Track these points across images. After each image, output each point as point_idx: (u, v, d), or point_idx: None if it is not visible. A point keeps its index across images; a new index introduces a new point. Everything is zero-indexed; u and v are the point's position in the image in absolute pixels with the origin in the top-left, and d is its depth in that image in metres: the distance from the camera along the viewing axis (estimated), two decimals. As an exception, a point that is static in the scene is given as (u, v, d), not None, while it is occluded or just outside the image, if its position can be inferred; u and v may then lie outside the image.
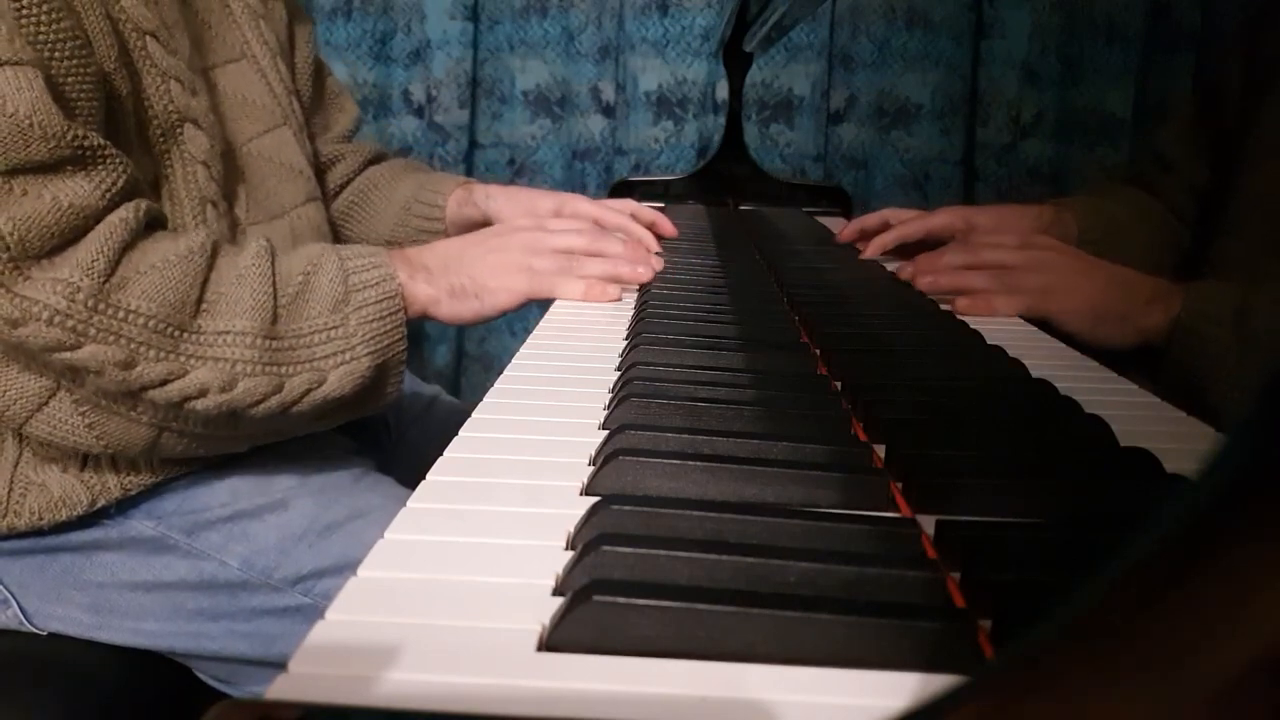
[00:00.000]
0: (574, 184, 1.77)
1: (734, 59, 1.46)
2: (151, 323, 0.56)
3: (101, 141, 0.57)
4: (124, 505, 0.68)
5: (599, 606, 0.27)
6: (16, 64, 0.53)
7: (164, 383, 0.58)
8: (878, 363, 0.57)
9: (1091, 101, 1.70)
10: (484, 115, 1.77)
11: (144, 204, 0.59)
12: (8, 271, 0.53)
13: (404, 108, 1.75)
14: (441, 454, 0.42)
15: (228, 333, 0.59)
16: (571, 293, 0.75)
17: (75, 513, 0.65)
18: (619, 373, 0.55)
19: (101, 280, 0.55)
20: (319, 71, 0.91)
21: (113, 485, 0.66)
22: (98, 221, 0.56)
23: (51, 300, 0.53)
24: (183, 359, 0.58)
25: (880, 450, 0.43)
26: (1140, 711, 0.16)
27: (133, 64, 0.63)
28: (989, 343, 0.63)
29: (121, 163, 0.58)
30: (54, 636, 0.69)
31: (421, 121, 1.75)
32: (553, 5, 1.73)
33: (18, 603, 0.69)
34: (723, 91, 1.62)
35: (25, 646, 0.69)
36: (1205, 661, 0.15)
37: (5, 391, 0.58)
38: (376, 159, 0.99)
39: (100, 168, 0.56)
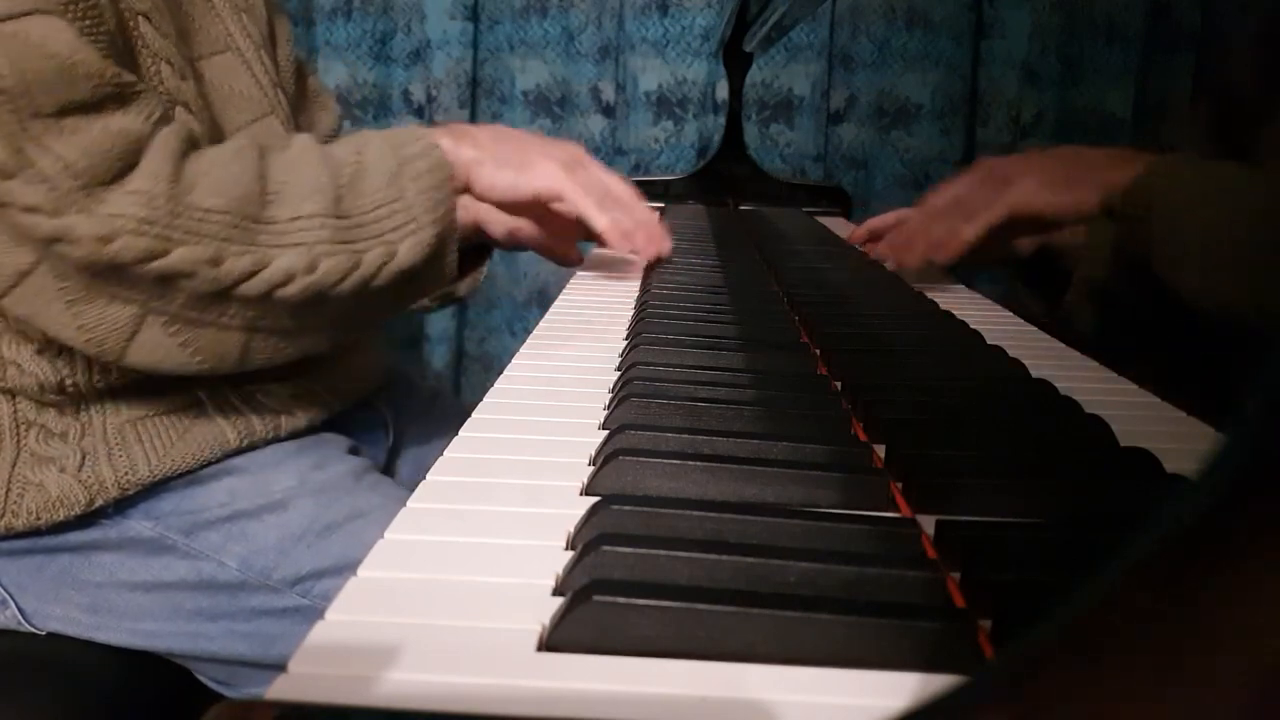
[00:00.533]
0: (574, 184, 1.77)
1: (734, 59, 1.46)
2: (228, 218, 0.59)
3: (134, 78, 0.59)
4: (122, 505, 0.68)
5: (599, 606, 0.27)
6: (45, 13, 0.55)
7: (252, 274, 0.60)
8: (878, 363, 0.57)
9: (1091, 101, 1.70)
10: (484, 115, 1.77)
11: (186, 119, 0.62)
12: (82, 198, 0.55)
13: (404, 108, 1.75)
14: (441, 454, 0.42)
15: (299, 217, 0.61)
16: (598, 222, 0.75)
17: (73, 512, 0.65)
18: (619, 373, 0.55)
19: (171, 184, 0.57)
20: (300, 70, 0.91)
21: (110, 485, 0.66)
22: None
23: (133, 210, 0.56)
24: (264, 249, 0.60)
25: (880, 450, 0.43)
26: (1147, 714, 0.16)
27: (129, 42, 0.63)
28: (989, 343, 0.63)
29: (156, 95, 0.60)
30: (52, 636, 0.69)
31: (421, 121, 1.75)
32: (553, 5, 1.73)
33: (16, 603, 0.69)
34: (723, 91, 1.61)
35: (24, 647, 0.69)
36: (1210, 662, 0.15)
37: (98, 325, 0.59)
38: None
39: (139, 100, 0.59)
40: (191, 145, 0.61)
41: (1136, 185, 0.66)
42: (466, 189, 0.71)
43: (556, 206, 0.74)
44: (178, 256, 0.57)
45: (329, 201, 0.62)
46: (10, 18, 0.54)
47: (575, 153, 0.77)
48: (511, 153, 0.72)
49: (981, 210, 0.74)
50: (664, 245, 0.83)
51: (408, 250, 0.65)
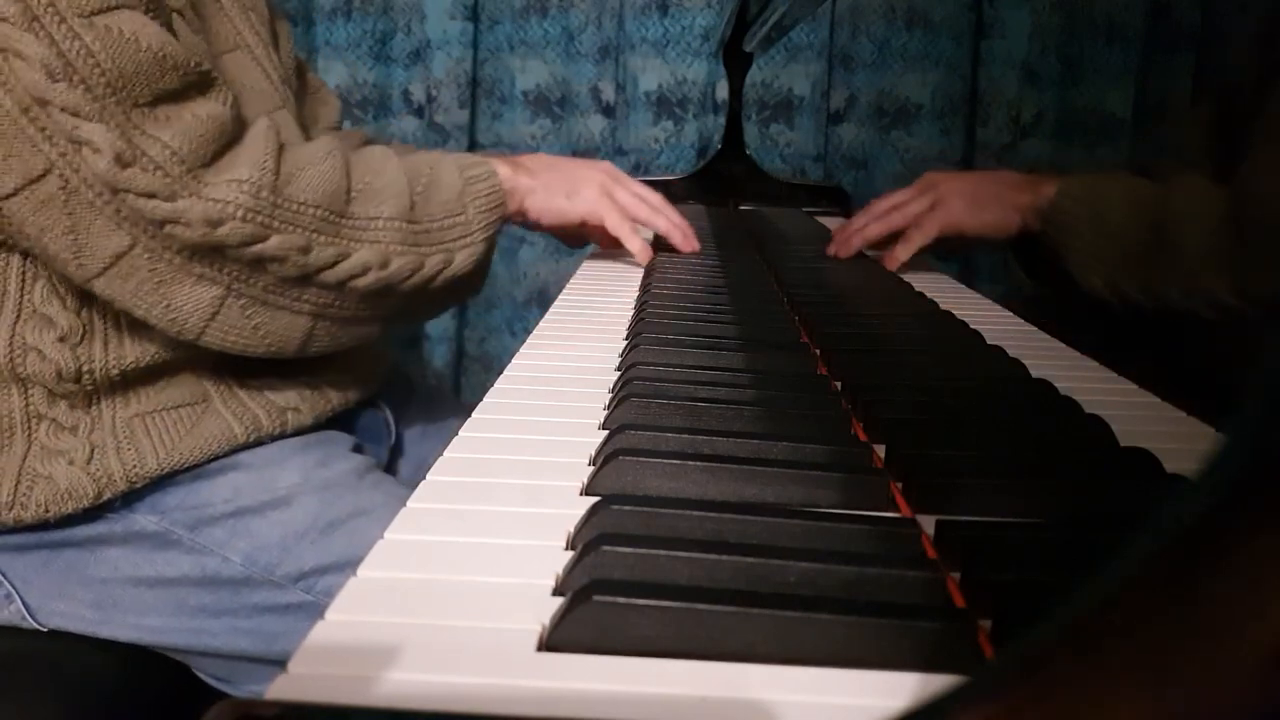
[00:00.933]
0: (574, 184, 1.77)
1: (734, 59, 1.46)
2: (319, 212, 0.64)
3: (209, 65, 0.63)
4: (128, 499, 0.68)
5: (599, 606, 0.27)
6: (130, 8, 0.58)
7: (334, 264, 0.66)
8: (878, 363, 0.57)
9: (1091, 101, 1.70)
10: (484, 115, 1.77)
11: (270, 116, 0.67)
12: (192, 181, 0.59)
13: (404, 108, 1.75)
14: (441, 454, 0.42)
15: (378, 218, 0.68)
16: (632, 245, 0.88)
17: (81, 505, 0.66)
18: (619, 373, 0.55)
19: (273, 177, 0.62)
20: (300, 69, 0.92)
21: (118, 478, 0.66)
22: (234, 127, 0.63)
23: (241, 199, 0.60)
24: (345, 242, 0.66)
25: (880, 450, 0.43)
26: (1147, 713, 0.16)
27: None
28: (989, 343, 0.63)
29: (222, 80, 0.64)
30: (54, 634, 0.69)
31: (421, 121, 1.75)
32: (553, 5, 1.73)
33: (21, 598, 0.69)
34: (723, 91, 1.61)
35: (26, 644, 0.69)
36: (1210, 661, 0.15)
37: (184, 305, 0.63)
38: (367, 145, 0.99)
39: (214, 87, 0.63)
40: (281, 139, 0.66)
41: (1048, 207, 0.81)
42: (521, 213, 0.81)
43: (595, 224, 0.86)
44: (275, 242, 0.62)
45: (405, 206, 0.69)
46: (101, 11, 0.57)
47: (611, 171, 0.88)
48: (560, 181, 0.82)
49: (923, 224, 0.90)
50: (692, 245, 0.94)
51: (462, 259, 0.72)
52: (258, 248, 0.62)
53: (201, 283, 0.62)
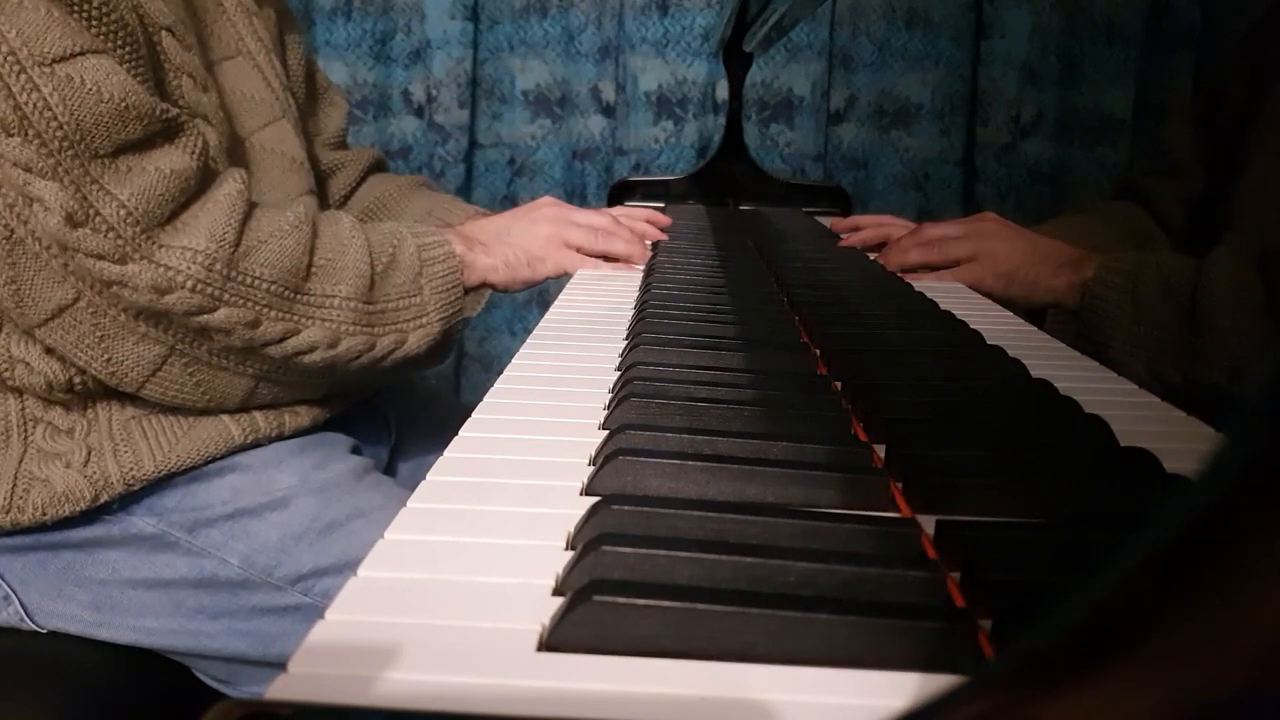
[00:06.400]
0: (574, 184, 1.77)
1: (734, 59, 1.46)
2: (273, 287, 0.63)
3: (176, 110, 0.62)
4: (126, 501, 0.68)
5: (599, 606, 0.27)
6: (97, 53, 0.57)
7: (282, 339, 0.65)
8: (878, 363, 0.57)
9: (1091, 101, 1.70)
10: (484, 115, 1.77)
11: (242, 172, 0.65)
12: (144, 243, 0.58)
13: (404, 108, 1.75)
14: (441, 454, 0.42)
15: (334, 296, 0.67)
16: (607, 266, 0.88)
17: (78, 508, 0.66)
18: (619, 373, 0.55)
19: (231, 250, 0.61)
20: (311, 75, 0.92)
21: (115, 480, 0.66)
22: (200, 180, 0.61)
23: (193, 270, 0.59)
24: (296, 319, 0.66)
25: (880, 450, 0.43)
26: (1147, 713, 0.16)
27: (155, 59, 0.64)
28: (989, 343, 0.63)
29: (192, 125, 0.63)
30: (54, 635, 0.69)
31: (421, 121, 1.75)
32: (553, 5, 1.73)
33: (20, 600, 0.69)
34: (723, 91, 1.61)
35: (24, 645, 0.69)
36: (1210, 661, 0.15)
37: (125, 360, 0.63)
38: (377, 166, 0.99)
39: (183, 134, 0.62)
40: (250, 202, 0.64)
41: (1085, 292, 0.79)
42: (484, 286, 0.80)
43: None
44: (222, 315, 0.62)
45: (363, 287, 0.68)
46: (64, 59, 0.55)
47: (555, 216, 0.86)
48: (517, 254, 0.81)
49: (946, 274, 0.90)
50: (646, 252, 0.92)
51: (416, 340, 0.72)
52: (204, 318, 0.61)
53: (145, 341, 0.62)
